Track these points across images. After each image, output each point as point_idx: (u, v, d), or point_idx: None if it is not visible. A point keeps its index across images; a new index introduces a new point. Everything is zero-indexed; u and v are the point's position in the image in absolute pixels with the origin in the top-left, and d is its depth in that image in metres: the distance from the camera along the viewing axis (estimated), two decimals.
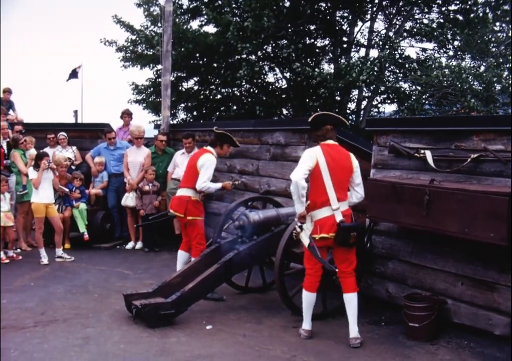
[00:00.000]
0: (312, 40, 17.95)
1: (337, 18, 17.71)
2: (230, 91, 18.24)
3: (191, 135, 9.35)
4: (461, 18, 17.62)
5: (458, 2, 17.57)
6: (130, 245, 9.74)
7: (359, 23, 18.30)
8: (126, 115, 11.15)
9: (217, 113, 18.49)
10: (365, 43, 18.27)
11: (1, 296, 6.57)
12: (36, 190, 8.28)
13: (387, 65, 16.28)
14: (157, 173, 9.67)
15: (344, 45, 17.90)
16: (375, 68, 14.86)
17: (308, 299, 5.52)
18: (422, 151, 5.81)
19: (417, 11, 18.34)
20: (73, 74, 18.67)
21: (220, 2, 17.58)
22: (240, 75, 15.60)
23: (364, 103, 18.56)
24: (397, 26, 18.30)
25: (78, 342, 5.27)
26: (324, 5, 17.21)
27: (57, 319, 5.89)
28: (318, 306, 6.14)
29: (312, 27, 17.65)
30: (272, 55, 17.42)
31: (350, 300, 5.35)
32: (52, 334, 5.46)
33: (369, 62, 14.97)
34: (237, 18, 16.34)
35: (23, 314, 6.02)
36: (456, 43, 18.02)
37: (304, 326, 5.58)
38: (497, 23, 17.25)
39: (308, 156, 5.31)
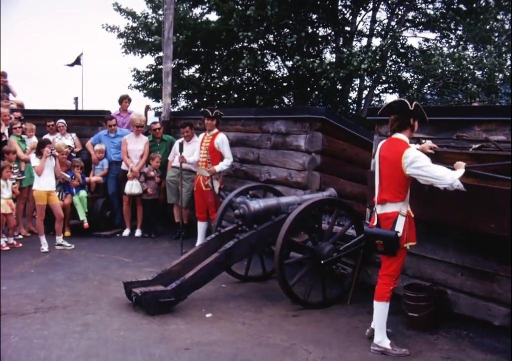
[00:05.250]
0: (315, 29, 17.86)
1: (339, 7, 17.62)
2: (231, 79, 18.18)
3: (188, 123, 9.28)
4: (463, 7, 17.53)
5: None
6: (126, 232, 9.76)
7: (362, 12, 18.23)
8: (127, 100, 11.04)
9: (218, 101, 18.44)
10: (368, 33, 18.20)
11: (2, 282, 6.60)
12: (38, 177, 8.27)
13: (389, 54, 16.21)
14: None
15: (347, 35, 17.82)
16: (377, 57, 14.80)
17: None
18: (423, 141, 5.77)
19: (420, 1, 18.26)
20: (77, 61, 18.61)
21: None
22: (242, 64, 15.53)
23: (365, 92, 18.53)
24: (399, 16, 18.23)
25: (78, 328, 5.28)
26: None
27: (57, 306, 5.90)
28: (318, 295, 6.18)
29: (314, 16, 17.57)
30: (274, 44, 17.35)
31: (375, 308, 5.04)
32: (52, 320, 5.47)
33: (370, 52, 14.91)
34: (239, 7, 16.23)
35: (23, 300, 6.04)
36: (458, 32, 17.98)
37: (371, 324, 5.24)
38: (501, 12, 17.18)
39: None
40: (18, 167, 9.16)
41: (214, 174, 8.19)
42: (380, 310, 4.99)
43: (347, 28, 17.90)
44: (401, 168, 4.74)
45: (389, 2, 17.99)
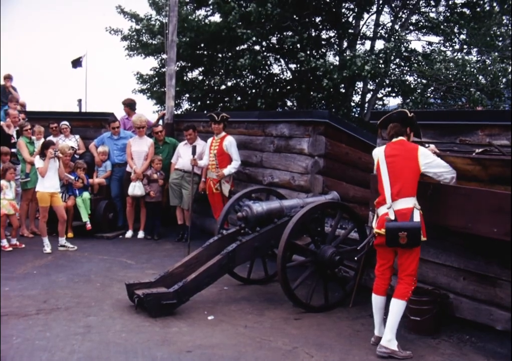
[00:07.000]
0: (318, 32, 17.86)
1: (343, 10, 17.61)
2: (234, 81, 18.20)
3: (191, 126, 9.35)
4: (467, 11, 17.53)
5: None
6: (128, 234, 9.78)
7: (365, 16, 18.25)
8: (126, 106, 11.04)
9: (221, 104, 18.45)
10: (371, 36, 18.20)
11: (4, 283, 6.61)
12: (42, 179, 8.28)
13: (392, 58, 16.20)
14: None
15: (350, 38, 17.81)
16: (381, 61, 14.79)
17: (375, 302, 5.20)
18: (427, 145, 5.77)
19: (423, 4, 18.26)
20: (78, 62, 18.57)
21: None
22: (241, 64, 15.50)
23: (369, 95, 18.51)
24: (403, 19, 18.23)
25: (80, 330, 5.29)
26: None
27: (60, 307, 5.91)
28: (320, 298, 6.18)
29: (318, 19, 17.56)
30: (277, 46, 17.34)
31: (392, 305, 4.98)
32: (55, 322, 5.48)
33: (374, 55, 14.91)
34: (242, 9, 16.22)
35: (26, 301, 6.05)
36: (462, 37, 17.96)
37: (375, 332, 5.23)
38: (504, 17, 17.16)
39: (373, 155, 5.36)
40: (23, 169, 9.23)
41: (223, 177, 8.33)
42: (397, 308, 4.96)
43: (351, 31, 17.90)
44: (417, 163, 4.98)
45: (393, 5, 17.99)
